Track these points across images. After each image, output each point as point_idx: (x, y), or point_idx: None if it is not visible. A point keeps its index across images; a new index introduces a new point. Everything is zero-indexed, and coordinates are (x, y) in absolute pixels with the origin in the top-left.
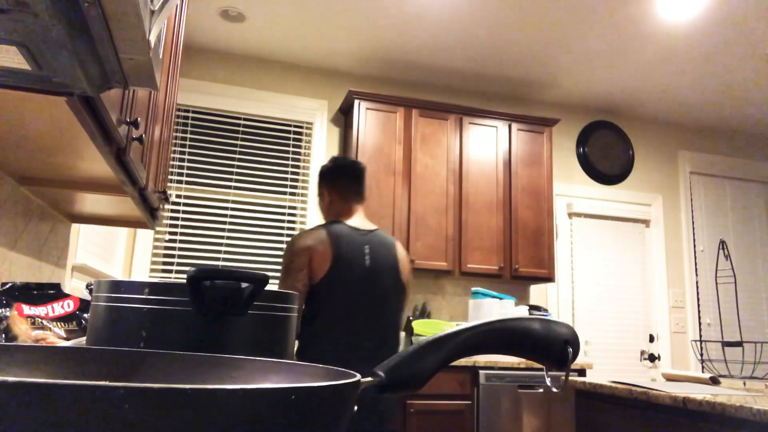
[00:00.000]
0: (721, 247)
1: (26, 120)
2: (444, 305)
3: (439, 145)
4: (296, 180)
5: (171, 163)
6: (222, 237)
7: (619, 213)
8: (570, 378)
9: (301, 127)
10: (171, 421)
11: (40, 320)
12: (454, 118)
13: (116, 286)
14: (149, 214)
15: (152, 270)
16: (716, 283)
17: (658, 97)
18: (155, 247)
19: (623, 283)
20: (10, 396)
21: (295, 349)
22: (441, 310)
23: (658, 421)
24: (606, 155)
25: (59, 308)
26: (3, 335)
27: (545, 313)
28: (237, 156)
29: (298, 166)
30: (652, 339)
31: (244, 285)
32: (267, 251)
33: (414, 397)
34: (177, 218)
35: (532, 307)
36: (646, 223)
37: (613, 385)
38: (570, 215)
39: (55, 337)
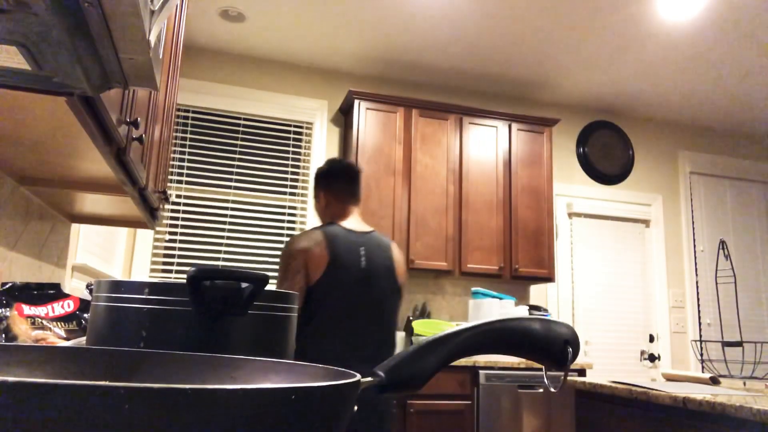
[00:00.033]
0: (721, 247)
1: (26, 120)
2: (444, 305)
3: (439, 145)
4: (296, 180)
5: (171, 163)
6: (222, 237)
7: (619, 213)
8: (570, 378)
9: (301, 127)
10: (171, 421)
11: (40, 320)
12: (454, 118)
13: (116, 286)
14: (149, 214)
15: (152, 270)
16: (716, 283)
17: (658, 97)
18: (155, 247)
19: (623, 283)
20: (10, 396)
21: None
22: (441, 310)
23: (658, 421)
24: (606, 155)
25: (59, 308)
26: (3, 335)
27: (545, 313)
28: (237, 156)
29: (298, 166)
30: (652, 339)
31: (244, 285)
32: (267, 251)
33: (414, 397)
34: (177, 218)
35: (532, 307)
36: (646, 223)
37: (613, 385)
38: (570, 215)
39: (55, 337)
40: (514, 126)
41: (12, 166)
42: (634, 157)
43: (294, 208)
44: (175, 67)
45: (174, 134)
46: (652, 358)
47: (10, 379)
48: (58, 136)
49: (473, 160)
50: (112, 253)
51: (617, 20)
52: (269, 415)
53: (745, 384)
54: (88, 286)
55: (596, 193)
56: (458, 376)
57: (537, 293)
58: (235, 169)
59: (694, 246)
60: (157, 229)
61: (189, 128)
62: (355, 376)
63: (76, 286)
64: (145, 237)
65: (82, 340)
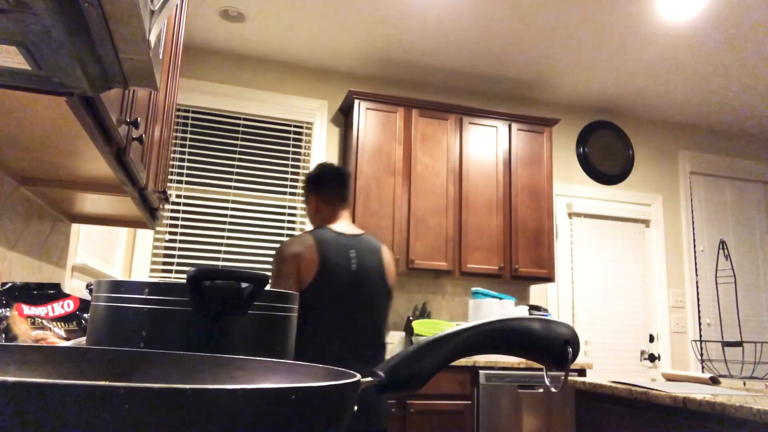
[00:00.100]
0: (721, 247)
1: (26, 120)
2: (444, 305)
3: (439, 145)
4: (296, 180)
5: (171, 163)
6: (222, 237)
7: (619, 213)
8: (570, 378)
9: (301, 127)
10: (171, 421)
11: (40, 320)
12: (454, 118)
13: (116, 286)
14: (149, 214)
15: (152, 270)
16: (716, 283)
17: (658, 97)
18: (155, 247)
19: (623, 283)
20: (10, 396)
21: None
22: (441, 310)
23: (658, 421)
24: (606, 155)
25: (59, 308)
26: (3, 335)
27: (545, 313)
28: (237, 156)
29: (298, 166)
30: (652, 339)
31: (244, 285)
32: (267, 251)
33: (414, 397)
34: (177, 218)
35: (532, 307)
36: (646, 223)
37: (613, 385)
38: (570, 215)
39: (55, 337)
40: (514, 126)
41: (12, 166)
42: (634, 157)
43: (294, 208)
44: (175, 67)
45: (174, 134)
46: (652, 358)
47: (10, 379)
48: (58, 136)
49: (473, 160)
50: (112, 253)
51: (617, 20)
52: (269, 415)
53: (745, 384)
54: (88, 286)
55: (596, 193)
56: (458, 376)
57: (537, 293)
58: (235, 169)
59: (694, 246)
60: (157, 229)
61: (189, 128)
62: (355, 376)
63: (76, 286)
64: (145, 237)
65: (82, 340)
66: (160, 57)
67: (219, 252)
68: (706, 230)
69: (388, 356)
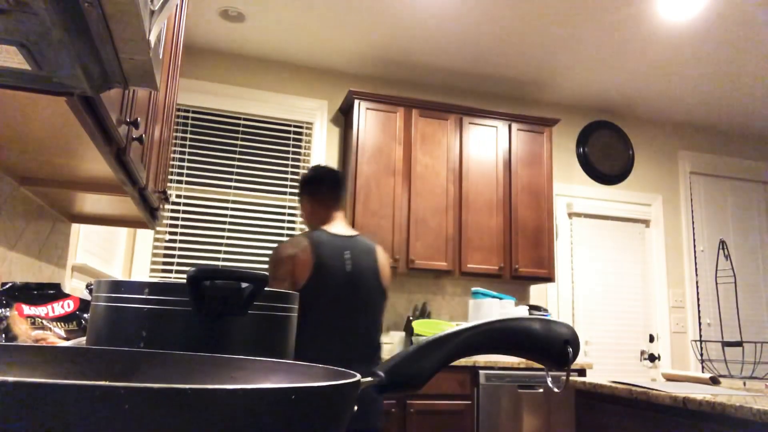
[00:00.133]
0: (721, 247)
1: (26, 120)
2: (444, 305)
3: (439, 145)
4: (296, 180)
5: (171, 163)
6: (222, 237)
7: (619, 213)
8: (570, 378)
9: (301, 127)
10: (171, 421)
11: (40, 320)
12: (454, 118)
13: (116, 286)
14: (149, 214)
15: (152, 270)
16: (716, 283)
17: (658, 97)
18: (155, 247)
19: (623, 283)
20: (10, 396)
21: None
22: (441, 310)
23: (658, 421)
24: (606, 155)
25: (59, 308)
26: (3, 335)
27: (545, 313)
28: (237, 156)
29: (298, 166)
30: (652, 339)
31: (244, 285)
32: (267, 251)
33: (414, 397)
34: (177, 218)
35: (532, 307)
36: (646, 223)
37: (613, 385)
38: (570, 215)
39: (55, 337)
40: (514, 126)
41: (12, 166)
42: (634, 157)
43: (294, 208)
44: (175, 67)
45: (174, 134)
46: (652, 358)
47: (10, 379)
48: (58, 136)
49: (473, 160)
50: (112, 253)
51: (617, 20)
52: (269, 415)
53: (745, 384)
54: (88, 286)
55: (596, 193)
56: (458, 376)
57: (537, 293)
58: (235, 169)
59: (694, 246)
60: (157, 229)
61: (189, 128)
62: (354, 376)
63: (76, 286)
64: (145, 237)
65: (82, 340)
66: (160, 57)
67: (219, 252)
68: (706, 230)
69: (387, 356)
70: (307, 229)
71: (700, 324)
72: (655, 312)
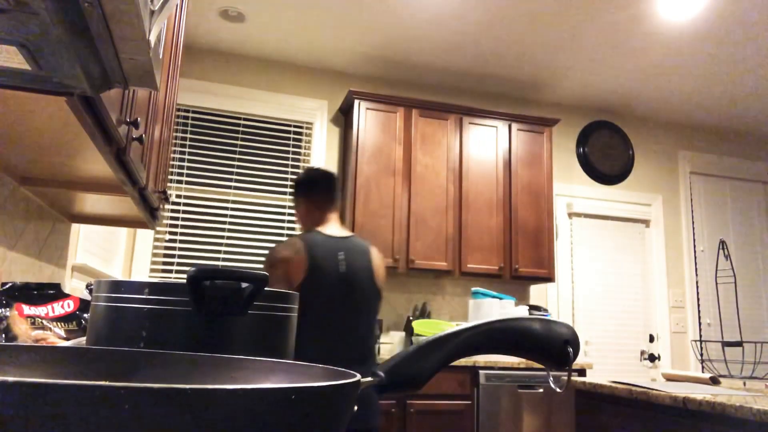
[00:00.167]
0: (721, 247)
1: (26, 120)
2: (444, 305)
3: (439, 145)
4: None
5: (171, 163)
6: (222, 237)
7: (619, 213)
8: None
9: (301, 127)
10: (171, 421)
11: (40, 320)
12: (454, 118)
13: (116, 286)
14: (149, 214)
15: (152, 270)
16: (716, 283)
17: (658, 97)
18: (155, 247)
19: (623, 283)
20: (11, 396)
21: None
22: (441, 310)
23: (658, 421)
24: (606, 155)
25: (59, 308)
26: (3, 335)
27: (545, 313)
28: (237, 156)
29: (298, 166)
30: (652, 339)
31: (244, 285)
32: (267, 251)
33: (414, 397)
34: (177, 218)
35: (532, 307)
36: (646, 223)
37: (613, 385)
38: (570, 215)
39: (55, 337)
40: (514, 126)
41: (12, 166)
42: (634, 157)
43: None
44: (175, 67)
45: (174, 134)
46: (652, 358)
47: (10, 379)
48: (58, 136)
49: (473, 160)
50: (112, 253)
51: (617, 20)
52: (269, 415)
53: (745, 384)
54: (88, 286)
55: (596, 193)
56: (458, 376)
57: (537, 293)
58: (235, 169)
59: (694, 246)
60: (157, 229)
61: (189, 128)
62: (354, 376)
63: (76, 286)
64: (145, 237)
65: (82, 340)
66: (160, 57)
67: (219, 252)
68: (706, 230)
69: (387, 356)
70: (301, 231)
71: (700, 324)
72: (655, 312)
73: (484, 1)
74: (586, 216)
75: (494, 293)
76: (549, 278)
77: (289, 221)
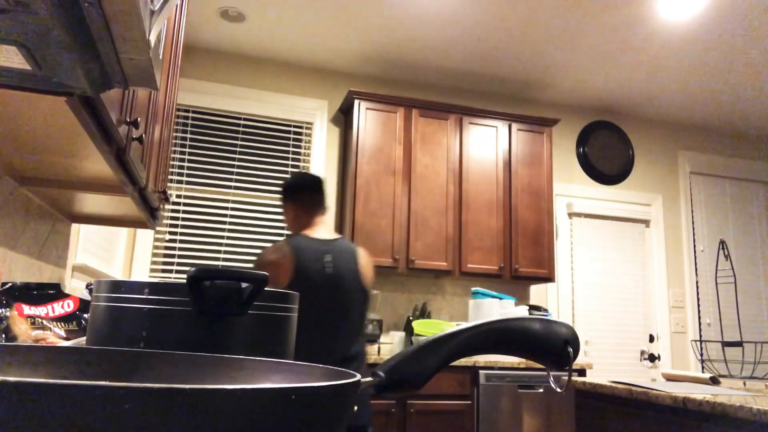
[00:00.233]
0: (721, 247)
1: (26, 120)
2: (444, 305)
3: (439, 145)
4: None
5: (171, 163)
6: (222, 237)
7: (619, 213)
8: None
9: (301, 127)
10: (171, 420)
11: (40, 320)
12: (454, 118)
13: (116, 286)
14: (149, 214)
15: (152, 270)
16: (716, 283)
17: (658, 97)
18: (155, 247)
19: (623, 283)
20: (11, 396)
21: None
22: (441, 310)
23: (658, 421)
24: (606, 155)
25: (59, 308)
26: (3, 335)
27: (545, 313)
28: (237, 156)
29: (298, 167)
30: (652, 339)
31: (244, 285)
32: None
33: (414, 397)
34: (177, 218)
35: (532, 307)
36: (646, 223)
37: (613, 385)
38: (570, 215)
39: (55, 337)
40: (514, 126)
41: (12, 166)
42: (634, 157)
43: None
44: (175, 67)
45: (174, 134)
46: (652, 358)
47: (10, 379)
48: (58, 136)
49: (473, 160)
50: (112, 253)
51: (617, 20)
52: (269, 415)
53: (745, 384)
54: (88, 286)
55: (596, 193)
56: (458, 376)
57: (537, 293)
58: (235, 169)
59: (694, 246)
60: (157, 229)
61: (189, 128)
62: (354, 375)
63: (76, 286)
64: (145, 237)
65: (82, 340)
66: (160, 57)
67: (219, 252)
68: (706, 230)
69: (387, 356)
70: (290, 234)
71: (700, 324)
72: (655, 312)
73: (484, 1)
74: (586, 216)
75: (494, 293)
76: (549, 278)
77: None
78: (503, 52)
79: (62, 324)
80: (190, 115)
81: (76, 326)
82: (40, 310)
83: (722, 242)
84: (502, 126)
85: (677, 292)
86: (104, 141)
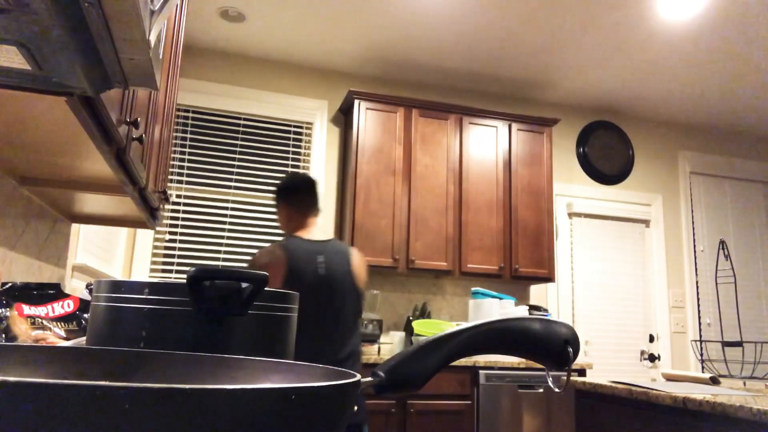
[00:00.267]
0: (721, 247)
1: (26, 120)
2: (444, 305)
3: (439, 145)
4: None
5: (171, 163)
6: (222, 237)
7: (619, 213)
8: (570, 378)
9: (301, 127)
10: (171, 421)
11: (40, 320)
12: (454, 118)
13: (116, 286)
14: (149, 214)
15: (152, 270)
16: (716, 283)
17: (658, 97)
18: (155, 247)
19: (623, 283)
20: (10, 396)
21: None
22: (441, 310)
23: (658, 421)
24: (606, 155)
25: (59, 308)
26: (3, 335)
27: (545, 313)
28: (237, 156)
29: (298, 167)
30: (652, 339)
31: (244, 285)
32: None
33: (414, 397)
34: (177, 218)
35: (532, 307)
36: (646, 223)
37: (613, 385)
38: (570, 215)
39: (55, 337)
40: (514, 126)
41: (12, 166)
42: (634, 157)
43: None
44: (175, 67)
45: (174, 134)
46: (652, 358)
47: (11, 379)
48: (58, 136)
49: (473, 160)
50: (112, 253)
51: (617, 20)
52: (269, 415)
53: (745, 384)
54: (88, 286)
55: (596, 193)
56: (458, 376)
57: (537, 293)
58: (235, 169)
59: (694, 246)
60: (157, 229)
61: (189, 128)
62: (354, 376)
63: (76, 286)
64: (145, 237)
65: (82, 340)
66: (160, 57)
67: (219, 252)
68: (706, 230)
69: (387, 356)
70: (283, 235)
71: (700, 324)
72: (655, 312)
73: (484, 2)
74: (586, 216)
75: (494, 293)
76: (549, 278)
77: None
78: (503, 52)
79: (62, 324)
80: (190, 115)
81: (76, 326)
82: (40, 310)
83: (722, 242)
84: (502, 126)
85: (677, 292)
86: (104, 141)
